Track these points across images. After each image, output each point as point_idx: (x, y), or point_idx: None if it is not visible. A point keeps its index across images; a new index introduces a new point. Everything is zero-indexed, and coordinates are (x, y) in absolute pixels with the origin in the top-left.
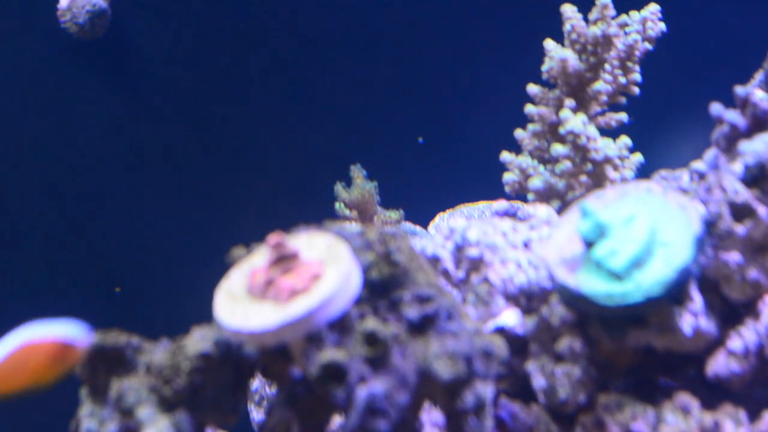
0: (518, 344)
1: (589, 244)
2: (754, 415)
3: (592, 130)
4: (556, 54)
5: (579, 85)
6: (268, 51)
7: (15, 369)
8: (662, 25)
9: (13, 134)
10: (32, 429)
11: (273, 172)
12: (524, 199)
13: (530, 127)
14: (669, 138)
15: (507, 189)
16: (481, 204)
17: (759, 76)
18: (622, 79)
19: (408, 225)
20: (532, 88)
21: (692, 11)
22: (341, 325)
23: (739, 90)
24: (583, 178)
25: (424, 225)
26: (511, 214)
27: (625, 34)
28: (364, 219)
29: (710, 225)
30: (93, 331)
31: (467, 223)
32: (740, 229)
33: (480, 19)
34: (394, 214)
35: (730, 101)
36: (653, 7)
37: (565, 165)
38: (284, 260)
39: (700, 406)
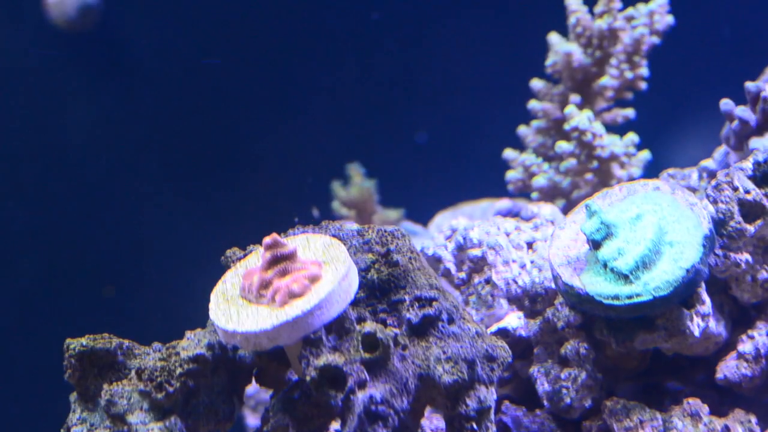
0: (522, 347)
1: (595, 244)
2: (765, 421)
3: (598, 127)
4: (561, 48)
5: (584, 80)
6: (265, 47)
7: None
8: (670, 18)
9: (1, 130)
10: None
11: (269, 170)
12: (528, 198)
13: (534, 123)
14: (677, 134)
15: (510, 187)
16: (484, 202)
17: None
18: (629, 74)
19: (408, 224)
20: (536, 84)
21: (701, 4)
22: (339, 328)
23: (750, 85)
24: (589, 175)
25: (425, 224)
26: (515, 213)
27: (632, 27)
28: (363, 218)
29: (720, 224)
30: (84, 334)
31: (469, 222)
32: (751, 228)
33: (481, 12)
34: (393, 213)
35: (740, 97)
36: (661, 0)
37: (570, 162)
38: (280, 261)
39: (710, 411)
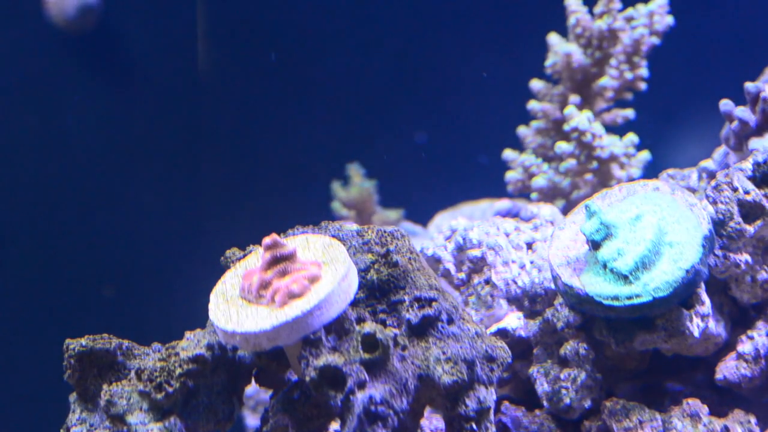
0: (521, 348)
1: (594, 245)
2: (765, 421)
3: (598, 127)
4: (561, 48)
5: (584, 80)
6: (264, 47)
7: None
8: (669, 19)
9: (0, 130)
10: None
11: (269, 170)
12: (528, 198)
13: (533, 123)
14: (677, 135)
15: (510, 188)
16: (483, 203)
17: None
18: (629, 75)
19: (408, 224)
20: (536, 84)
21: (701, 5)
22: (338, 328)
23: (750, 86)
24: (589, 176)
25: (425, 224)
26: (514, 214)
27: (632, 28)
28: (362, 218)
29: (719, 225)
30: (84, 334)
31: (469, 222)
32: (751, 228)
33: (481, 12)
34: (393, 214)
35: (740, 97)
36: (660, 0)
37: (570, 163)
38: (280, 262)
39: (709, 411)
